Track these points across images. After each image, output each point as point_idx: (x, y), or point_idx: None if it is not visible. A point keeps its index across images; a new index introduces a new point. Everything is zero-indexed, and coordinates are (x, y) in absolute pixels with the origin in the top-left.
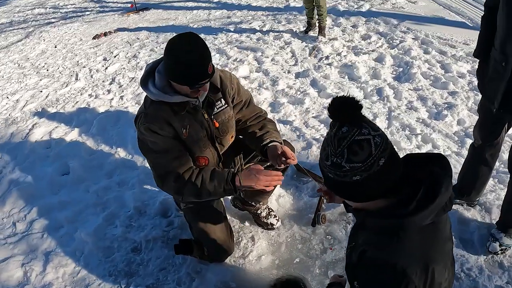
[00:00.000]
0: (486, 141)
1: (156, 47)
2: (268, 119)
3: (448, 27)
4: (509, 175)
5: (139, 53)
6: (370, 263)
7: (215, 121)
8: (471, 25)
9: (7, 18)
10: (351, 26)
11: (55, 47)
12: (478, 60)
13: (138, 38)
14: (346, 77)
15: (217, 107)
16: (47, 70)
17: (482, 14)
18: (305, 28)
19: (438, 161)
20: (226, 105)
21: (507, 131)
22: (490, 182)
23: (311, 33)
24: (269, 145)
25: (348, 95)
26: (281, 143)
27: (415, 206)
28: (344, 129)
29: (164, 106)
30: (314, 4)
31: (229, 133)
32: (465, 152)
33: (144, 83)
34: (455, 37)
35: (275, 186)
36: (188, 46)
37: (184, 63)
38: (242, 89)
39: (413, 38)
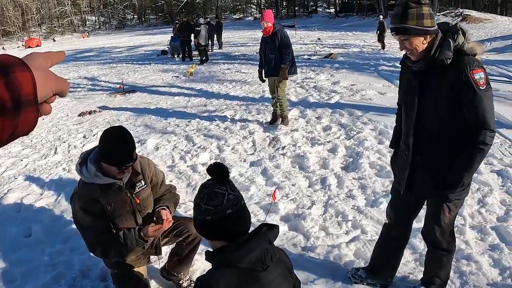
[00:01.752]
0: (396, 220)
1: (133, 130)
2: (173, 193)
3: None
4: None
5: None
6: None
7: (136, 198)
8: None
9: None
10: (315, 117)
11: (43, 119)
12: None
13: (119, 120)
14: (297, 166)
15: (138, 187)
16: (31, 141)
17: None
18: (270, 119)
19: (272, 227)
20: (146, 186)
21: (417, 213)
22: (411, 264)
23: (276, 123)
24: (156, 209)
25: (222, 163)
26: (164, 208)
27: (235, 248)
28: (209, 182)
29: (94, 186)
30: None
31: (149, 208)
32: None
33: (79, 168)
34: None
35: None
36: (118, 135)
37: (115, 148)
38: (158, 171)
39: (371, 129)
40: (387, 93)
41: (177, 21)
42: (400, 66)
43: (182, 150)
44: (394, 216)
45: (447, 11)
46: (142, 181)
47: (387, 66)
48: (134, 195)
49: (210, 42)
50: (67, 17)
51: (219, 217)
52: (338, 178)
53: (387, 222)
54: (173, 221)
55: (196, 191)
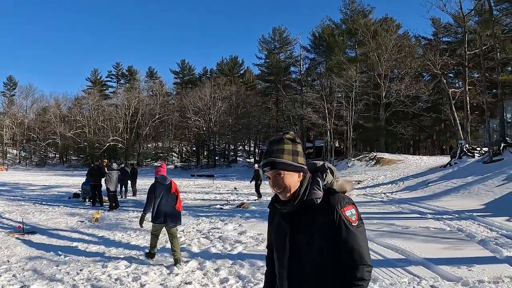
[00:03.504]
0: None
1: (20, 274)
2: None
3: None
4: None
5: (0, 275)
6: None
7: None
8: None
9: None
10: (214, 269)
11: None
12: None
13: (9, 261)
14: None
15: None
16: None
17: None
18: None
19: None
20: None
21: None
22: None
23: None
24: None
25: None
26: None
27: None
28: None
29: None
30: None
31: None
32: None
33: None
34: None
35: None
36: None
37: None
38: None
39: None
40: None
41: (93, 164)
42: (269, 209)
43: None
44: None
45: (361, 156)
46: None
47: None
48: None
49: (123, 188)
50: None
51: None
52: None
53: None
54: None
55: None
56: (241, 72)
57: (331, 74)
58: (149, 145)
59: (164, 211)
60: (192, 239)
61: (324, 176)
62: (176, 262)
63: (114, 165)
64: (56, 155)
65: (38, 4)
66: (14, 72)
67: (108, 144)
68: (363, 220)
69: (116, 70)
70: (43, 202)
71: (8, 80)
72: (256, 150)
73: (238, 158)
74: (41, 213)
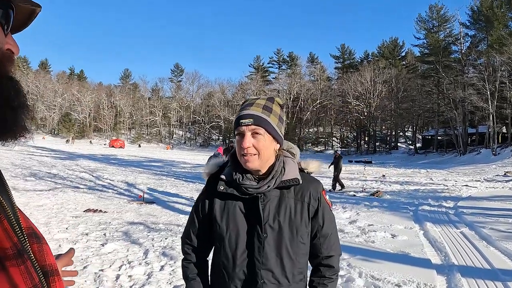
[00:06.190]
0: None
1: (110, 233)
2: None
3: None
4: None
5: (93, 232)
6: None
7: None
8: None
9: (59, 170)
10: None
11: (53, 206)
12: None
13: (110, 223)
14: None
15: None
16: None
17: None
18: None
19: None
20: None
21: None
22: None
23: None
24: None
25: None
26: None
27: None
28: None
29: None
30: None
31: None
32: None
33: None
34: None
35: None
36: None
37: None
38: None
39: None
40: (399, 236)
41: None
42: (223, 188)
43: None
44: None
45: None
46: None
47: (431, 206)
48: None
49: None
50: (156, 127)
51: None
52: None
53: None
54: None
55: None
56: (402, 54)
57: (491, 51)
58: (310, 130)
59: None
60: None
61: (295, 154)
62: None
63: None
64: (220, 137)
65: None
66: (180, 60)
67: None
68: None
69: (277, 56)
70: (183, 178)
71: (175, 67)
72: (418, 136)
73: (398, 144)
74: (173, 187)
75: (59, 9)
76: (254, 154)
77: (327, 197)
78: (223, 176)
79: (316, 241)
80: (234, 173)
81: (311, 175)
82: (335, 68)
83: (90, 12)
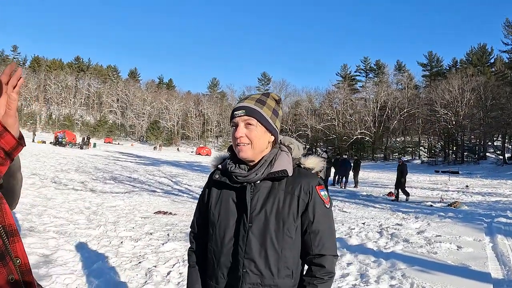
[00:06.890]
0: None
1: (176, 235)
2: None
3: None
4: None
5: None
6: None
7: None
8: None
9: (139, 175)
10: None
11: (125, 208)
12: None
13: (177, 224)
14: None
15: None
16: (98, 223)
17: None
18: None
19: None
20: None
21: None
22: None
23: None
24: None
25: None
26: None
27: None
28: None
29: None
30: None
31: None
32: None
33: None
34: None
35: None
36: None
37: None
38: None
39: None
40: (464, 248)
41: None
42: (218, 177)
43: None
44: None
45: None
46: None
47: (509, 218)
48: None
49: (344, 179)
50: None
51: None
52: None
53: None
54: None
55: None
56: (491, 61)
57: None
58: (397, 139)
59: None
60: (358, 231)
61: (292, 149)
62: None
63: (324, 154)
64: (307, 146)
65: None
66: (267, 69)
67: (355, 137)
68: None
69: (364, 65)
70: None
71: (263, 76)
72: (508, 146)
73: (487, 154)
74: None
75: (151, 19)
76: (247, 144)
77: (322, 193)
78: (219, 166)
79: (306, 237)
80: (228, 161)
81: (312, 171)
82: (423, 76)
83: (179, 22)
